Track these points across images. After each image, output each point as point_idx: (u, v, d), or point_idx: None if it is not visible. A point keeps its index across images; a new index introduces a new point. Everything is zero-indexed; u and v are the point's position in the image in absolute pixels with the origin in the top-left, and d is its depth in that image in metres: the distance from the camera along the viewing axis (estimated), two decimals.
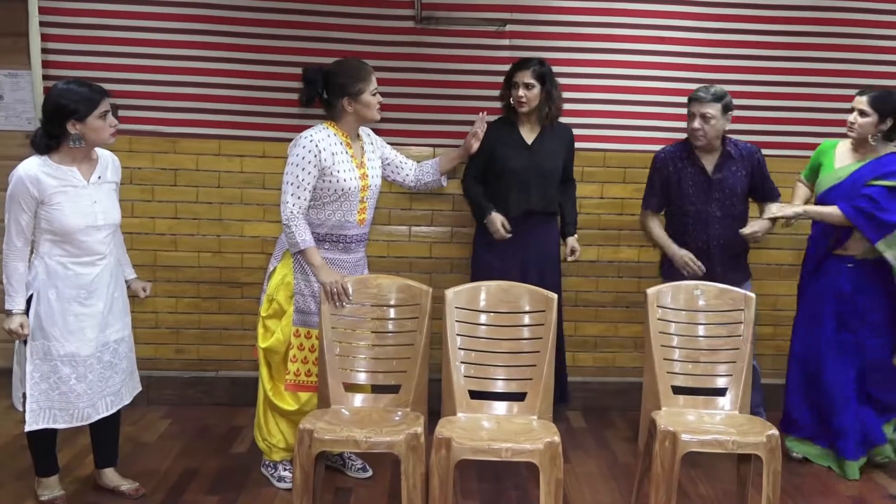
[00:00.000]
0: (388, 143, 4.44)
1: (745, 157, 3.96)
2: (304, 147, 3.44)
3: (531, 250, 4.07)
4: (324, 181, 3.46)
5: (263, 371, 3.64)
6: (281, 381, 3.60)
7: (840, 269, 3.84)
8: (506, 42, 4.48)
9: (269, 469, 3.74)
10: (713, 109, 3.82)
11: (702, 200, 3.95)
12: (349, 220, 3.56)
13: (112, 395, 3.38)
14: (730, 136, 4.02)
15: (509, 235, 3.97)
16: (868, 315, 3.81)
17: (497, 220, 3.96)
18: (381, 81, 4.36)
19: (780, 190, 4.09)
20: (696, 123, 3.85)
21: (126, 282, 3.52)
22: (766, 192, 4.04)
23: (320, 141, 3.45)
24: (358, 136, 3.63)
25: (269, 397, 3.62)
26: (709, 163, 3.96)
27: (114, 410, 3.40)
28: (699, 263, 3.92)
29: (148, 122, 4.45)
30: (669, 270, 4.07)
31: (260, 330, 3.64)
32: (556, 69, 4.39)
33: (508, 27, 4.48)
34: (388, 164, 3.79)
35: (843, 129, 3.88)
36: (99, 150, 3.32)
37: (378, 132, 4.42)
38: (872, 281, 3.80)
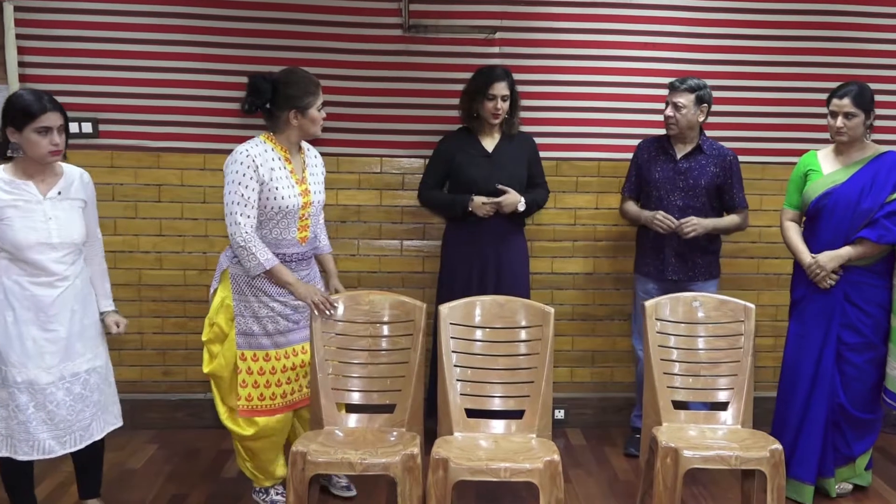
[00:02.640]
0: (376, 154, 4.47)
1: (716, 155, 4.07)
2: (241, 163, 3.28)
3: (490, 259, 4.06)
4: (260, 198, 3.32)
5: (216, 397, 3.54)
6: (231, 404, 3.48)
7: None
8: (496, 50, 4.43)
9: (261, 495, 3.64)
10: (685, 99, 3.97)
11: (666, 188, 4.07)
12: (287, 238, 3.41)
13: (81, 430, 3.19)
14: (708, 135, 4.15)
15: (498, 199, 3.96)
16: (859, 326, 3.72)
17: (480, 199, 3.97)
18: (369, 91, 4.38)
19: (771, 197, 4.04)
20: (669, 111, 4.01)
21: (100, 314, 3.34)
22: (731, 198, 4.10)
23: (257, 156, 3.30)
24: (299, 149, 3.50)
25: (224, 423, 3.52)
26: (680, 152, 4.09)
27: (82, 446, 3.21)
28: (670, 218, 3.99)
29: (130, 136, 4.36)
30: (640, 267, 4.23)
31: (205, 355, 3.53)
32: (547, 77, 4.43)
33: (498, 35, 4.42)
34: None
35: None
36: (66, 166, 3.20)
37: (369, 143, 4.41)
38: (863, 290, 3.71)
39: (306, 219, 3.45)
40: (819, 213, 3.75)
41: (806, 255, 3.74)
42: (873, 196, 3.65)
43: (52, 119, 3.01)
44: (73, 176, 3.20)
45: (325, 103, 3.44)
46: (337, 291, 3.67)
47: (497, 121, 4.01)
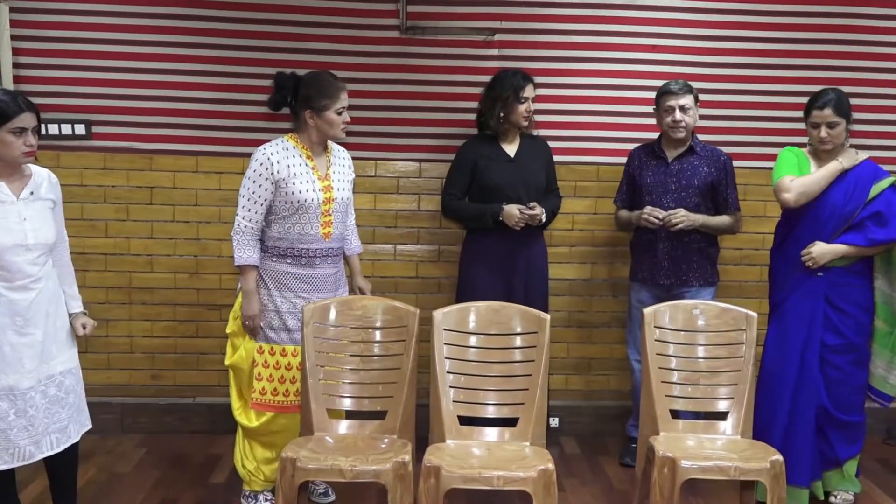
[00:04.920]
0: (374, 157, 4.45)
1: (709, 156, 4.06)
2: (257, 161, 3.41)
3: (519, 267, 4.01)
4: (280, 194, 3.41)
5: (233, 390, 3.58)
6: (248, 398, 3.51)
7: (810, 279, 3.72)
8: (494, 52, 4.39)
9: (250, 500, 3.61)
10: (688, 100, 3.96)
11: (658, 191, 4.05)
12: (309, 233, 3.47)
13: (58, 433, 3.14)
14: (713, 139, 4.16)
15: (533, 212, 3.89)
16: (841, 328, 3.70)
17: (514, 208, 3.90)
18: (365, 94, 4.33)
19: (775, 204, 3.99)
20: (679, 115, 3.96)
21: (69, 315, 3.26)
22: (725, 198, 4.08)
23: (273, 154, 3.41)
24: (325, 149, 3.56)
25: (235, 416, 3.55)
26: (671, 155, 4.08)
27: (60, 449, 3.16)
28: (657, 210, 3.96)
29: (122, 138, 4.34)
30: (635, 274, 4.20)
31: (227, 348, 3.60)
32: (545, 79, 4.37)
33: (497, 36, 4.39)
34: None
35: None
36: (33, 167, 3.14)
37: (364, 146, 4.37)
38: (844, 291, 3.70)
39: (329, 215, 3.50)
40: (804, 214, 3.71)
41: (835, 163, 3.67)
42: (856, 199, 3.66)
43: (27, 120, 2.96)
44: (42, 176, 3.15)
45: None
46: (361, 290, 3.80)
47: (527, 123, 3.99)
